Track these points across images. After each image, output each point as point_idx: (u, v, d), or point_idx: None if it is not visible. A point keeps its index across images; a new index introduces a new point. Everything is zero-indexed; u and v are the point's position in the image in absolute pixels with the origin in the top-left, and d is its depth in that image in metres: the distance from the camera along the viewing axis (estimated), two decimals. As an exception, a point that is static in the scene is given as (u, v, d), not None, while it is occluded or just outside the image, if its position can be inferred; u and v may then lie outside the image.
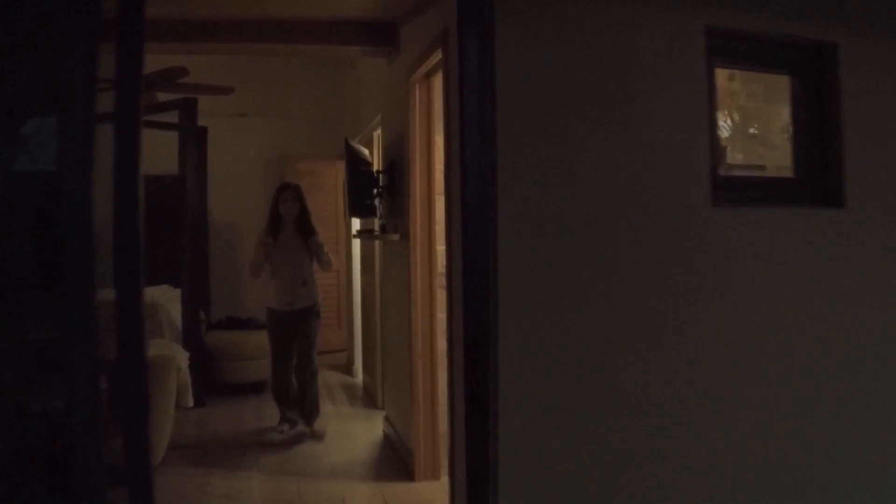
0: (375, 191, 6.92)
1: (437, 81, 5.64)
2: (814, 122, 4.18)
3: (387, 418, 7.49)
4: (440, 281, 5.79)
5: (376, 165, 7.82)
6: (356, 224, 8.94)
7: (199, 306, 9.29)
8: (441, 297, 5.73)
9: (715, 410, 3.87)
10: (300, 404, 7.44)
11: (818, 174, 4.17)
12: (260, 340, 8.56)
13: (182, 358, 6.64)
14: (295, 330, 7.36)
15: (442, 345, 5.71)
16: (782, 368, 3.96)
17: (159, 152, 8.85)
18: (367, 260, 9.14)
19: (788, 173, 4.26)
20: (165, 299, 9.05)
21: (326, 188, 11.32)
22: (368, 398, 9.02)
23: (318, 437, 7.29)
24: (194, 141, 8.93)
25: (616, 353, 3.70)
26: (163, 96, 8.67)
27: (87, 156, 2.28)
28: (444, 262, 4.90)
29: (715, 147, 3.85)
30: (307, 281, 7.38)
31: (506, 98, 3.49)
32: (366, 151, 7.26)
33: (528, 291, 3.53)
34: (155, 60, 8.03)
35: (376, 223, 7.34)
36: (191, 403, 6.75)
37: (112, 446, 2.63)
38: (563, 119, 3.56)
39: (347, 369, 10.63)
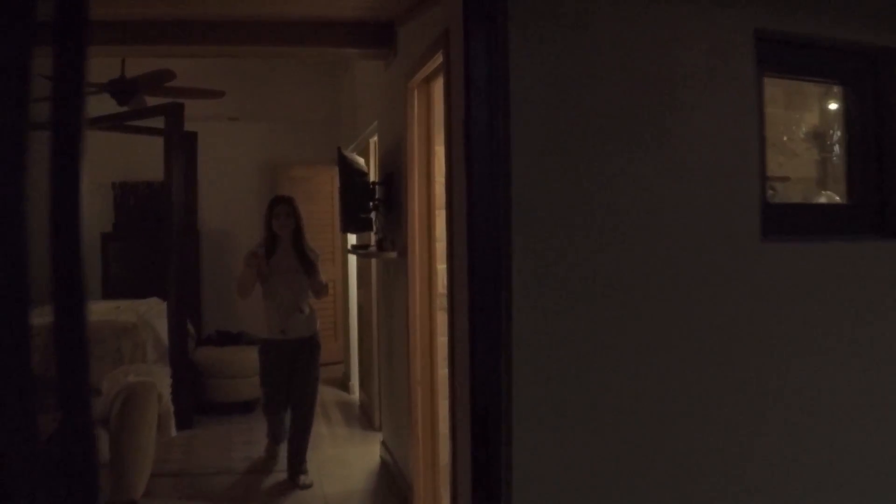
0: (371, 203, 6.55)
1: (438, 87, 5.32)
2: (869, 140, 3.70)
3: (384, 444, 7.17)
4: (441, 302, 5.49)
5: (372, 176, 7.50)
6: (352, 238, 8.52)
7: (188, 320, 8.98)
8: (442, 319, 5.38)
9: (779, 469, 3.41)
10: (288, 453, 6.73)
11: (876, 201, 3.68)
12: (252, 356, 8.10)
13: (164, 384, 6.30)
14: (290, 364, 6.59)
15: (443, 371, 5.41)
16: (842, 420, 3.50)
17: (147, 158, 8.79)
18: (363, 272, 8.85)
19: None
20: (152, 314, 8.69)
21: (322, 195, 11.07)
22: (365, 418, 8.71)
23: (303, 487, 6.53)
24: (181, 146, 8.59)
25: (656, 423, 3.23)
26: (151, 101, 8.53)
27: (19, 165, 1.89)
28: (445, 283, 4.57)
29: (763, 170, 3.36)
30: (305, 307, 6.64)
31: (520, 110, 3.02)
32: (361, 161, 6.88)
33: (549, 345, 3.06)
34: (142, 63, 8.01)
35: (372, 237, 6.94)
36: (173, 433, 6.38)
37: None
38: (587, 136, 3.07)
39: (344, 384, 10.35)
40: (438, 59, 4.70)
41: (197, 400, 8.59)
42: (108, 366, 6.53)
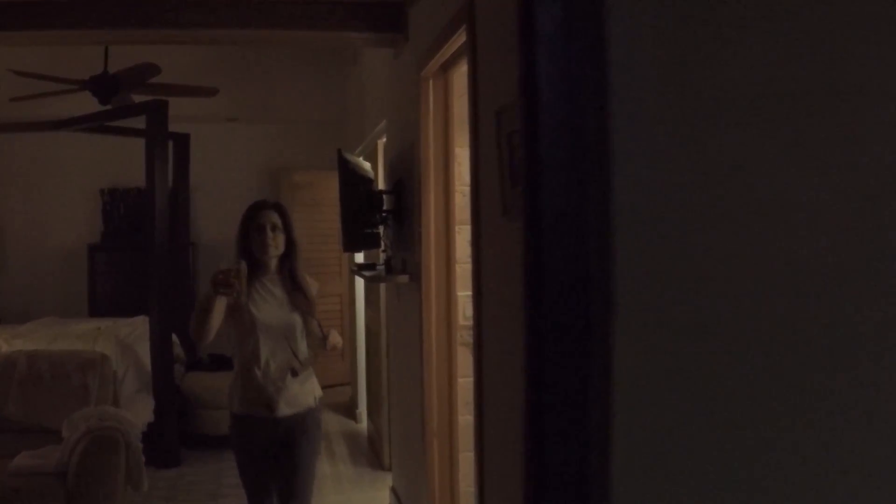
0: (378, 216, 5.71)
1: (457, 75, 4.72)
2: None
3: (394, 491, 6.41)
4: (462, 336, 4.88)
5: (380, 183, 6.72)
6: (357, 256, 7.72)
7: (177, 343, 8.32)
8: (463, 356, 4.85)
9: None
10: None
11: None
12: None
13: (133, 431, 5.44)
14: (280, 450, 4.45)
15: (464, 418, 4.85)
16: None
17: (138, 163, 7.99)
18: (372, 289, 8.11)
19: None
20: (136, 336, 8.01)
21: (326, 203, 10.22)
22: (374, 454, 7.90)
23: None
24: (166, 148, 8.01)
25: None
26: (140, 100, 8.04)
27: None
28: (467, 313, 4.60)
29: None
30: (300, 363, 4.51)
31: (625, 73, 2.06)
32: (367, 166, 6.10)
33: (665, 388, 2.08)
34: (123, 55, 7.56)
35: (380, 256, 6.03)
36: (145, 487, 5.51)
37: None
38: (718, 117, 2.05)
39: (350, 411, 9.57)
40: (458, 40, 4.14)
41: (184, 433, 7.87)
42: (72, 405, 5.67)
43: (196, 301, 4.67)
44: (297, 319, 4.48)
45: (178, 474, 7.27)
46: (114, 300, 10.00)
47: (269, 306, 4.43)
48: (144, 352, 7.73)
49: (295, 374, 4.42)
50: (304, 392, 4.47)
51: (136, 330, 8.15)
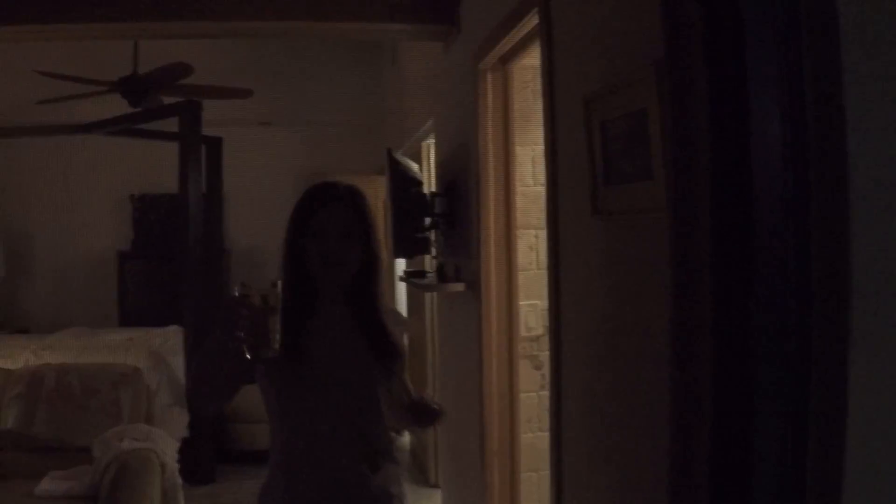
0: (429, 220, 5.45)
1: (518, 68, 4.50)
2: None
3: None
4: (524, 349, 4.63)
5: (429, 185, 6.46)
6: (402, 262, 7.49)
7: None
8: (525, 370, 4.62)
9: None
10: None
11: None
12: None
13: (168, 451, 5.21)
14: None
15: (527, 436, 4.61)
16: None
17: (169, 168, 7.91)
18: (415, 297, 7.95)
19: None
20: (169, 348, 7.75)
21: None
22: (417, 468, 7.69)
23: None
24: (199, 152, 7.83)
25: None
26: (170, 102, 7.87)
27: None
28: (530, 324, 4.49)
29: None
30: (380, 449, 2.89)
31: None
32: (415, 167, 5.86)
33: None
34: (153, 56, 7.38)
35: (430, 263, 5.76)
36: None
37: None
38: None
39: None
40: (523, 28, 3.88)
41: (220, 448, 7.70)
42: (104, 423, 5.42)
43: (205, 345, 2.66)
44: (376, 379, 2.84)
45: (213, 491, 7.08)
46: (145, 309, 9.78)
47: (331, 356, 2.79)
48: (178, 363, 7.52)
49: (375, 467, 2.80)
50: (384, 488, 2.83)
51: (169, 340, 7.92)
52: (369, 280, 2.88)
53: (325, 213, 2.78)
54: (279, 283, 2.59)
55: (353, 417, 2.79)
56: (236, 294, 2.56)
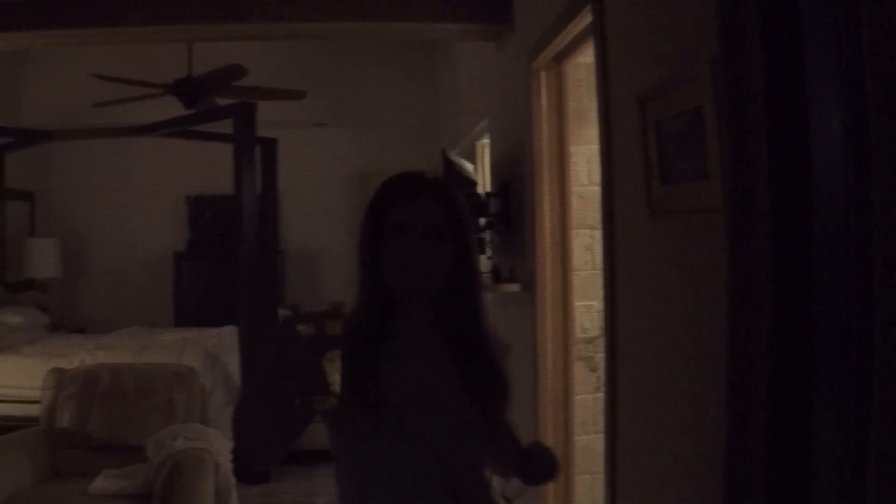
0: (484, 221, 5.42)
1: (572, 66, 4.44)
2: None
3: None
4: (580, 351, 4.57)
5: (484, 186, 6.40)
6: None
7: None
8: (580, 372, 4.55)
9: None
10: None
11: None
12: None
13: (223, 450, 5.21)
14: None
15: (581, 438, 4.55)
16: None
17: (224, 169, 7.88)
18: None
19: None
20: (224, 348, 7.74)
21: None
22: None
23: None
24: (253, 153, 7.77)
25: None
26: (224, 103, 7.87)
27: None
28: (586, 325, 4.40)
29: None
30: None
31: None
32: (470, 167, 5.80)
33: None
34: (207, 59, 7.45)
35: (485, 263, 5.71)
36: None
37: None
38: None
39: None
40: (577, 26, 3.84)
41: None
42: (158, 422, 5.42)
43: (247, 389, 2.22)
44: (477, 425, 2.16)
45: (267, 491, 7.04)
46: (200, 310, 9.87)
47: (416, 396, 2.14)
48: (233, 363, 7.50)
49: None
50: None
51: (224, 340, 7.92)
52: (465, 294, 2.25)
53: (406, 207, 2.17)
54: (344, 305, 2.03)
55: (447, 475, 2.13)
56: (283, 322, 1.98)
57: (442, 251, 2.13)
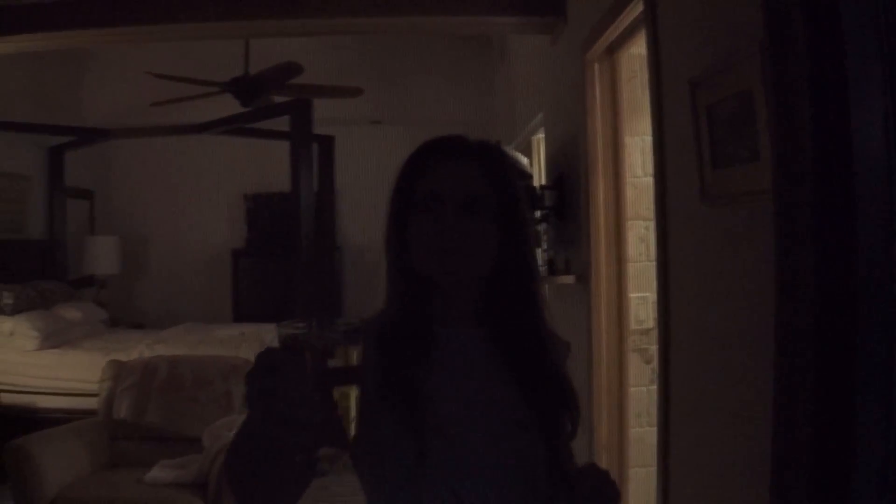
0: (539, 213, 5.37)
1: (625, 57, 4.38)
2: None
3: None
4: (634, 342, 4.49)
5: (538, 179, 6.36)
6: None
7: None
8: (635, 364, 4.46)
9: None
10: None
11: None
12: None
13: None
14: None
15: (635, 431, 4.46)
16: None
17: (282, 167, 7.83)
18: None
19: None
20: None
21: None
22: None
23: None
24: (310, 150, 7.80)
25: None
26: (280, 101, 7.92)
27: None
28: (640, 316, 4.30)
29: None
30: None
31: None
32: (524, 160, 5.74)
33: None
34: (262, 57, 7.45)
35: (540, 256, 5.66)
36: None
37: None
38: None
39: None
40: (629, 15, 3.77)
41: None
42: (214, 413, 5.45)
43: (237, 433, 1.54)
44: (535, 448, 1.70)
45: (323, 483, 6.72)
46: (258, 306, 9.93)
47: (468, 410, 1.70)
48: (291, 360, 7.43)
49: None
50: None
51: (280, 334, 7.89)
52: (519, 285, 1.78)
53: (445, 171, 1.76)
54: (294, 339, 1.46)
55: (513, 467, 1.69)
56: (283, 346, 1.47)
57: (486, 229, 1.71)
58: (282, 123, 7.65)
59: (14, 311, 7.49)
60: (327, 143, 9.01)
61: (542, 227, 5.49)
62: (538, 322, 1.78)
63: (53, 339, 7.56)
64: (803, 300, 1.84)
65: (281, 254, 9.54)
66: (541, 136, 6.68)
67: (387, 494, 1.67)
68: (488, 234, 1.71)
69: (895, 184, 1.68)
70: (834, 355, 1.76)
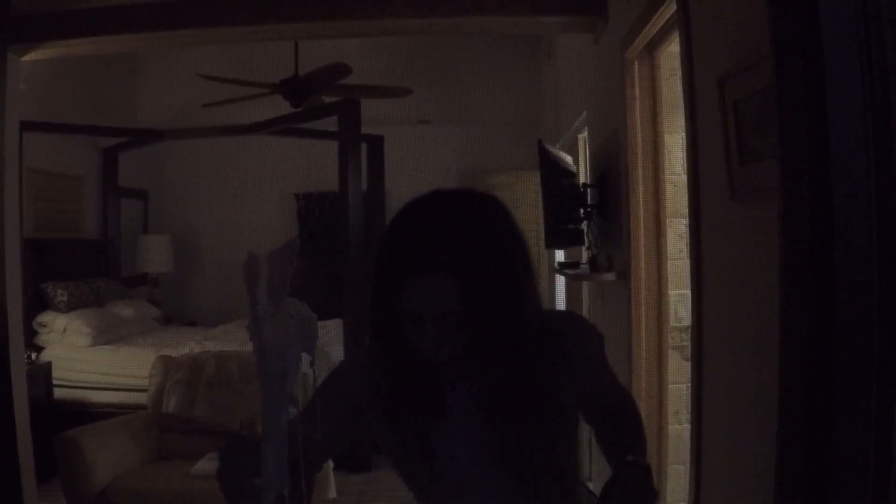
0: (582, 211, 5.32)
1: (665, 54, 4.33)
2: None
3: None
4: (673, 340, 4.44)
5: (583, 177, 6.35)
6: (559, 254, 7.36)
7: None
8: (674, 361, 4.40)
9: None
10: None
11: None
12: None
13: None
14: None
15: (674, 428, 4.44)
16: None
17: (333, 167, 7.83)
18: (573, 295, 7.72)
19: None
20: (328, 339, 7.90)
21: (526, 203, 9.97)
22: None
23: None
24: (357, 150, 7.88)
25: None
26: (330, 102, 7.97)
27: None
28: (680, 314, 4.23)
29: None
30: None
31: None
32: (569, 159, 5.75)
33: None
34: (311, 58, 7.55)
35: (584, 254, 5.67)
36: (333, 494, 5.36)
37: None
38: None
39: None
40: (666, 12, 3.73)
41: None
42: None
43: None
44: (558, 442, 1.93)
45: (368, 479, 7.09)
46: (308, 304, 9.81)
47: (462, 449, 1.88)
48: (338, 355, 7.58)
49: None
50: None
51: (330, 333, 8.04)
52: (505, 322, 1.75)
53: (418, 290, 1.71)
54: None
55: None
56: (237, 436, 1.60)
57: (467, 322, 1.71)
58: (332, 123, 7.69)
59: (68, 308, 7.63)
60: (376, 143, 9.05)
61: (584, 225, 5.45)
62: (529, 357, 1.81)
63: (106, 335, 7.70)
64: (801, 301, 1.88)
65: (331, 253, 9.62)
66: (585, 134, 6.64)
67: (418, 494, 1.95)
68: (475, 321, 1.71)
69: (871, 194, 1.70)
70: (825, 365, 1.76)
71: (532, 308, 1.81)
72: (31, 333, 7.39)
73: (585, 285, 6.58)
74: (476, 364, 1.79)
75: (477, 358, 1.77)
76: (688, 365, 4.34)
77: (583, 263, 5.73)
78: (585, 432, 2.64)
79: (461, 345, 1.73)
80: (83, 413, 6.63)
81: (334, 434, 1.92)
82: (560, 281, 8.24)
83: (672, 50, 4.17)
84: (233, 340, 7.51)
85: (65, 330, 7.51)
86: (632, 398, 2.24)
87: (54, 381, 7.10)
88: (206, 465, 5.07)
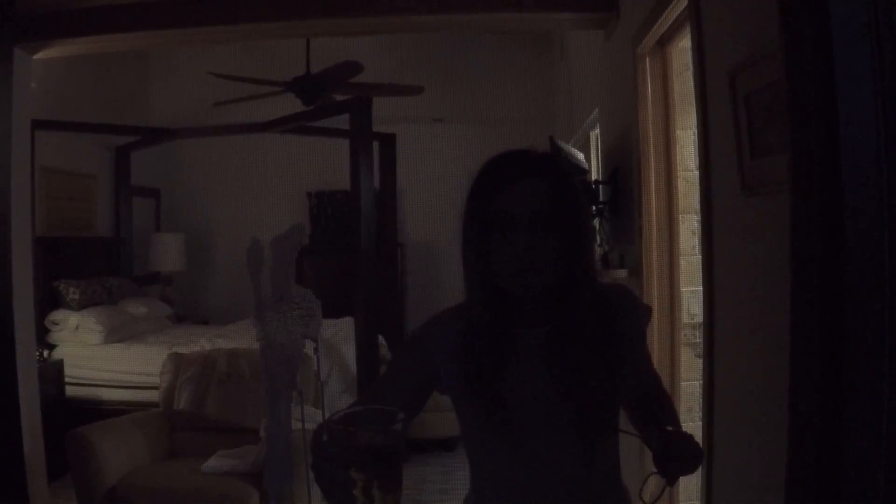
0: (595, 208, 5.31)
1: (677, 50, 4.31)
2: None
3: None
4: (686, 337, 4.43)
5: (595, 174, 6.36)
6: None
7: (384, 344, 8.08)
8: (686, 358, 4.39)
9: None
10: None
11: None
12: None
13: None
14: None
15: (687, 426, 4.23)
16: None
17: (345, 165, 7.75)
18: None
19: None
20: (340, 337, 7.86)
21: None
22: None
23: None
24: (369, 148, 7.78)
25: None
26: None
27: None
28: (692, 310, 4.21)
29: None
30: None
31: None
32: (580, 155, 5.72)
33: None
34: (322, 56, 7.54)
35: (597, 250, 5.62)
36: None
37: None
38: None
39: None
40: (677, 7, 3.72)
41: None
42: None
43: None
44: (590, 434, 1.98)
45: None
46: (321, 301, 9.85)
47: (532, 405, 1.96)
48: (350, 353, 7.56)
49: None
50: None
51: (342, 331, 8.01)
52: (576, 289, 1.95)
53: (510, 193, 1.91)
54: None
55: (567, 487, 2.00)
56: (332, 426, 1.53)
57: (551, 243, 1.86)
58: (344, 121, 7.66)
59: (80, 306, 7.65)
60: (389, 141, 9.04)
61: (596, 222, 5.39)
62: (591, 322, 1.95)
63: (118, 333, 7.72)
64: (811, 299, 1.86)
65: (343, 251, 9.61)
66: (597, 131, 6.62)
67: (480, 479, 2.08)
68: (552, 249, 1.87)
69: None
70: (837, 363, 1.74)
71: (594, 266, 2.10)
72: (43, 331, 7.41)
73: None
74: (552, 308, 1.94)
75: (553, 298, 1.93)
76: (700, 362, 4.32)
77: (595, 260, 5.69)
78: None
79: (547, 256, 1.86)
80: (95, 410, 6.63)
81: (411, 399, 1.99)
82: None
83: (683, 45, 4.15)
84: (244, 337, 7.50)
85: (77, 328, 7.53)
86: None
87: (66, 379, 7.13)
88: (217, 462, 5.08)
